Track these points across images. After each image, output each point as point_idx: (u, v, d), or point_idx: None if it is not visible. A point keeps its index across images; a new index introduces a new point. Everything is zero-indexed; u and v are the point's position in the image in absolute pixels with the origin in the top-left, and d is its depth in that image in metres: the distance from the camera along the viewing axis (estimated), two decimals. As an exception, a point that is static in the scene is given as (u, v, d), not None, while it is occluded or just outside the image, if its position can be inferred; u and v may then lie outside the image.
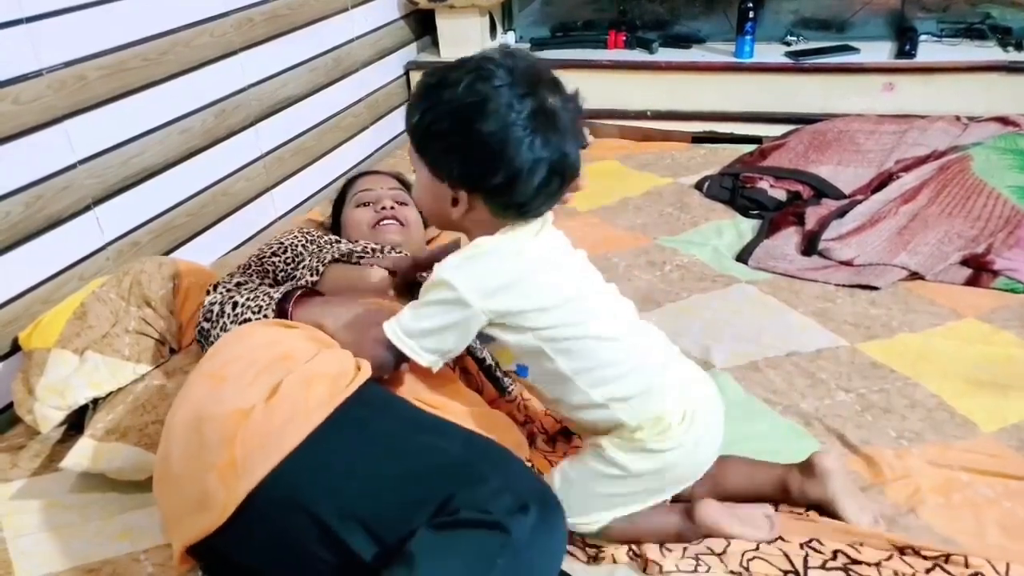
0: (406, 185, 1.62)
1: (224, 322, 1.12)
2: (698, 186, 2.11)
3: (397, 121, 2.68)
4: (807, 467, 1.04)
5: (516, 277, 0.88)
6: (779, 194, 1.99)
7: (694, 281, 1.68)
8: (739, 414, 1.26)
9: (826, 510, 1.03)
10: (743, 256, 1.75)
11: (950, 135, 2.04)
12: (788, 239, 1.79)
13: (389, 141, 2.63)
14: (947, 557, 0.95)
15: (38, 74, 1.37)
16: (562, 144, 0.86)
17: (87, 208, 1.50)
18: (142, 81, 1.60)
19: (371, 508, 0.80)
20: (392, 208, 1.47)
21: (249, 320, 1.09)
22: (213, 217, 1.84)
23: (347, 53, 2.33)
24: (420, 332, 0.89)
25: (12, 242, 1.36)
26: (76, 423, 1.28)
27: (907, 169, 1.94)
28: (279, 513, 0.83)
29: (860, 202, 1.85)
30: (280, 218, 2.06)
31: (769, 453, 1.17)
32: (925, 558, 0.96)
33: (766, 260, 1.72)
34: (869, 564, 0.95)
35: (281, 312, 1.08)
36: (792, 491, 1.04)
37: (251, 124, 1.94)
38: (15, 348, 1.38)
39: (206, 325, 1.16)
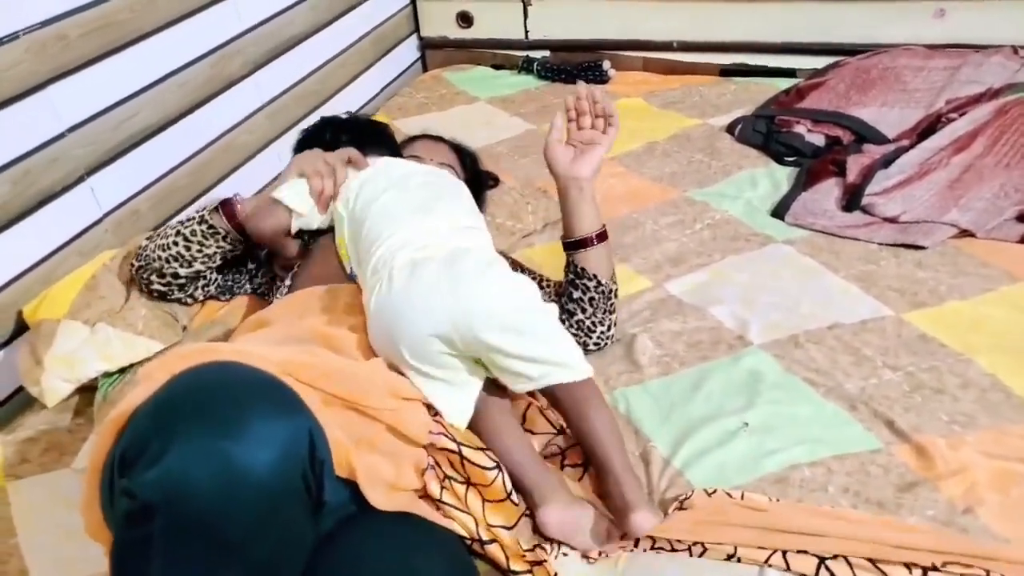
0: (464, 157, 1.49)
1: (166, 233, 1.26)
2: (729, 129, 1.98)
3: (404, 55, 2.53)
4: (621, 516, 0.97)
5: None
6: (817, 139, 1.86)
7: (727, 240, 1.58)
8: (780, 396, 1.19)
9: None
10: (779, 211, 1.63)
11: (1008, 70, 1.87)
12: (828, 192, 1.67)
13: (396, 77, 2.48)
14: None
15: (14, 37, 1.25)
16: None
17: (80, 179, 1.40)
18: (130, 35, 1.47)
19: None
20: None
21: (194, 231, 1.23)
22: (216, 176, 1.74)
23: (349, -15, 2.17)
24: None
25: (3, 223, 1.27)
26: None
27: (958, 110, 1.79)
28: None
29: (905, 149, 1.71)
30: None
31: (812, 442, 1.11)
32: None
33: (804, 216, 1.61)
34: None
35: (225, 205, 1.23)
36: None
37: (250, 72, 1.81)
38: (14, 335, 1.32)
39: (144, 241, 1.29)
